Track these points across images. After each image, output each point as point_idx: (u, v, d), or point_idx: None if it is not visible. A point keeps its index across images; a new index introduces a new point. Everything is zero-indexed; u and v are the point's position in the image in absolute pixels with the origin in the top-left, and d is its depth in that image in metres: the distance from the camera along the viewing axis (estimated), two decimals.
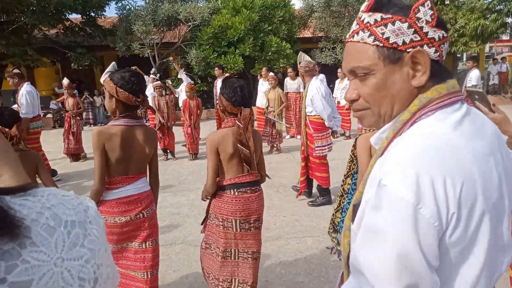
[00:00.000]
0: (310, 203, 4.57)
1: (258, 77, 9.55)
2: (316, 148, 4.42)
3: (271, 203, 4.64)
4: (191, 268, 3.17)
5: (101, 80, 2.14)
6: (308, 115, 4.47)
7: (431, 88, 0.81)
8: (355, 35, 0.84)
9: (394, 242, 0.72)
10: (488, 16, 13.47)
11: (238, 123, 2.22)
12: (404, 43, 0.79)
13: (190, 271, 3.13)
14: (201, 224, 2.58)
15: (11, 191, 0.47)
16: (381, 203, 0.73)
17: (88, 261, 0.48)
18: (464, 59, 23.61)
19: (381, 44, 0.80)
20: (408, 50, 0.79)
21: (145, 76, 9.28)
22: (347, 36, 0.89)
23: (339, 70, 8.79)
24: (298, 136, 8.70)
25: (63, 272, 0.45)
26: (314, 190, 4.80)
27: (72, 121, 7.44)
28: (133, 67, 2.30)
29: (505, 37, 20.25)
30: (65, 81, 7.60)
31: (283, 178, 5.65)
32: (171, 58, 9.43)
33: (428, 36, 0.79)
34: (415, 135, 0.78)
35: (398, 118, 0.83)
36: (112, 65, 2.19)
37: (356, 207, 0.87)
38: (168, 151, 7.33)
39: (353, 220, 0.87)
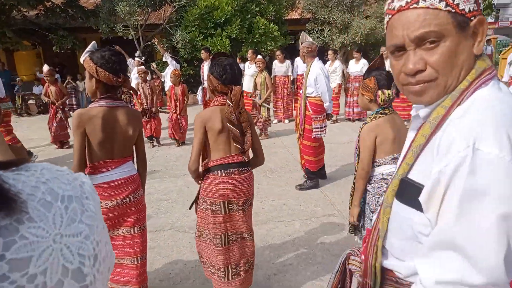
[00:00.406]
0: (298, 186, 4.60)
1: (238, 60, 9.33)
2: (314, 129, 4.41)
3: (260, 187, 4.65)
4: (180, 254, 3.18)
5: (81, 60, 2.08)
6: (308, 97, 4.43)
7: (480, 58, 0.85)
8: (420, 1, 0.81)
9: (500, 201, 0.71)
10: None
11: (228, 101, 2.18)
12: (470, 10, 0.81)
13: (179, 257, 3.14)
14: (189, 209, 2.56)
15: (3, 166, 0.44)
16: (478, 166, 0.73)
17: (87, 237, 0.47)
18: None
19: (453, 10, 0.80)
20: (471, 18, 0.81)
21: (130, 59, 9.13)
22: (403, 4, 0.84)
23: (329, 52, 8.70)
24: (286, 121, 8.69)
25: (63, 249, 0.43)
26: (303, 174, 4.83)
27: (57, 111, 7.28)
28: (115, 46, 2.23)
29: (490, 19, 20.37)
30: (45, 68, 7.29)
31: (271, 163, 5.66)
32: (155, 40, 9.17)
33: (480, 7, 0.83)
34: (487, 101, 0.80)
35: None
36: (92, 44, 2.12)
37: (405, 181, 0.85)
38: (154, 138, 7.21)
39: (398, 196, 0.86)
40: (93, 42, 2.18)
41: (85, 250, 0.46)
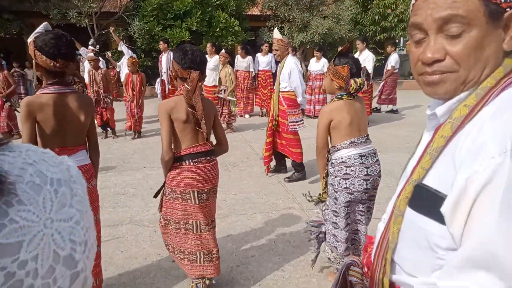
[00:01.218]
0: (286, 179, 4.67)
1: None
2: (290, 124, 4.47)
3: (221, 181, 4.58)
4: (140, 248, 3.11)
5: (28, 41, 1.96)
6: (281, 91, 4.48)
7: (510, 56, 0.74)
8: None
9: None
10: None
11: (186, 85, 2.16)
12: (505, 1, 0.70)
13: (139, 251, 3.07)
14: (154, 197, 2.50)
15: None
16: None
17: (78, 222, 0.45)
18: (401, 44, 24.93)
19: None
20: (507, 9, 0.70)
21: (83, 48, 8.69)
22: None
23: (358, 41, 8.51)
24: (247, 116, 8.73)
25: (54, 234, 0.41)
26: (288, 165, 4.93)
27: (5, 101, 6.80)
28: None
29: None
30: None
31: (232, 157, 5.66)
32: (111, 29, 8.79)
33: None
34: None
35: (478, 85, 0.75)
36: (43, 25, 1.97)
37: (420, 188, 0.75)
38: (108, 128, 6.96)
39: (412, 203, 0.76)
40: (45, 23, 2.04)
41: (76, 236, 0.44)
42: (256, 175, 4.87)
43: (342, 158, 2.40)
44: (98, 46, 9.88)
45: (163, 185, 2.40)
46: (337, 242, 2.53)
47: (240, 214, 3.75)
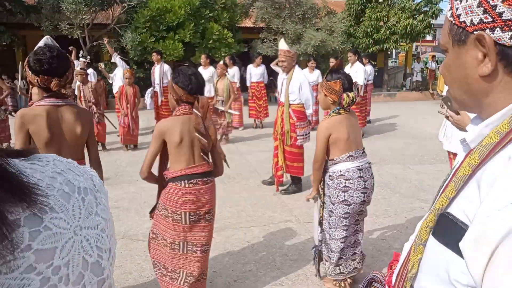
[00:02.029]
0: (283, 191, 4.61)
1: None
2: (299, 137, 4.38)
3: (217, 194, 4.56)
4: (135, 264, 3.02)
5: None
6: (291, 104, 4.37)
7: None
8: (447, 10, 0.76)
9: None
10: (416, 16, 14.53)
11: (196, 111, 2.14)
12: (472, 23, 0.67)
13: (134, 267, 2.98)
14: (150, 218, 2.44)
15: (20, 154, 0.44)
16: None
17: (103, 230, 0.47)
18: (394, 56, 25.33)
19: (454, 21, 0.71)
20: (474, 32, 0.68)
21: (75, 61, 8.62)
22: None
23: (349, 54, 8.51)
24: (241, 128, 8.68)
25: (82, 241, 0.43)
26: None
27: None
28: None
29: (429, 37, 22.04)
30: None
31: (227, 169, 5.58)
32: (105, 40, 8.72)
33: (503, 18, 0.64)
34: None
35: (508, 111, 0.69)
36: (43, 40, 1.97)
37: (444, 217, 0.71)
38: (99, 142, 6.85)
39: (436, 233, 0.72)
40: (46, 37, 2.03)
41: (102, 243, 0.46)
42: (251, 188, 4.81)
43: (341, 171, 2.44)
44: (89, 57, 9.85)
45: (157, 203, 2.35)
46: (331, 252, 2.56)
47: (236, 227, 3.68)
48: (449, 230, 0.71)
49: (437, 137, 3.22)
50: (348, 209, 2.44)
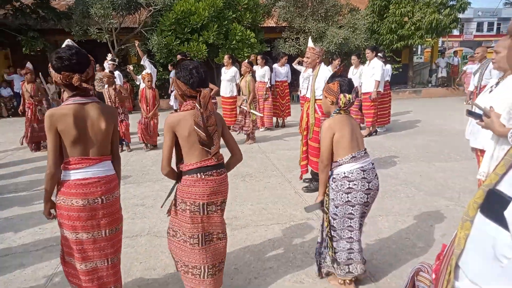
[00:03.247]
0: (304, 188, 4.65)
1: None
2: None
3: (238, 192, 4.64)
4: (158, 260, 3.12)
5: None
6: (317, 99, 4.45)
7: None
8: None
9: None
10: (442, 10, 14.10)
11: (197, 104, 2.16)
12: None
13: (157, 263, 3.08)
14: (167, 215, 2.51)
15: None
16: None
17: None
18: (419, 52, 24.66)
19: None
20: None
21: (104, 63, 8.91)
22: None
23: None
24: (262, 128, 8.72)
25: None
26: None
27: (36, 108, 7.11)
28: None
29: (456, 32, 21.32)
30: (29, 65, 7.20)
31: (249, 167, 5.67)
32: (136, 43, 8.91)
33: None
34: None
35: None
36: (65, 43, 2.11)
37: (493, 193, 0.73)
38: (123, 141, 7.07)
39: (483, 209, 0.74)
40: (67, 40, 2.17)
41: None
42: (273, 186, 4.85)
43: (344, 173, 2.46)
44: (117, 60, 10.13)
45: (174, 200, 2.38)
46: (336, 253, 2.58)
47: (257, 225, 3.72)
48: (497, 206, 0.72)
49: (463, 134, 3.15)
50: (352, 210, 2.47)
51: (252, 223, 3.76)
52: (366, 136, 7.70)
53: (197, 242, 2.29)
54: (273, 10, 14.47)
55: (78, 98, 2.05)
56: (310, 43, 4.60)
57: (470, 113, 2.28)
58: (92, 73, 2.08)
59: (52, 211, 2.21)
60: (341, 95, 2.50)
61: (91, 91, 2.09)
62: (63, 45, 2.06)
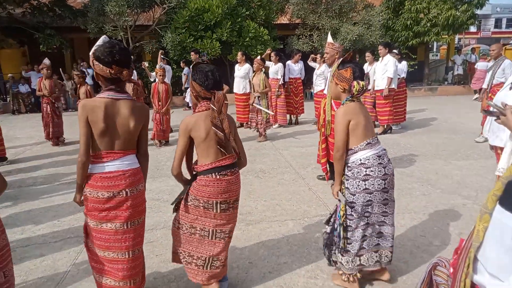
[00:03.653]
0: (319, 176, 4.69)
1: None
2: None
3: (252, 188, 4.66)
4: None
5: (90, 54, 2.15)
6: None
7: None
8: None
9: None
10: (459, 7, 13.84)
11: (212, 106, 2.23)
12: None
13: None
14: (173, 212, 2.53)
15: None
16: None
17: None
18: (435, 49, 24.25)
19: None
20: None
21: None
22: None
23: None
24: (276, 125, 8.70)
25: None
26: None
27: (54, 105, 7.27)
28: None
29: (473, 28, 20.90)
30: (46, 61, 7.35)
31: (263, 164, 5.68)
32: (145, 65, 8.85)
33: None
34: None
35: None
36: (102, 39, 2.18)
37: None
38: None
39: (502, 201, 0.73)
40: (104, 36, 2.23)
41: None
42: (287, 182, 4.85)
43: (360, 160, 2.43)
44: (132, 57, 10.25)
45: (181, 197, 2.43)
46: (349, 244, 2.52)
47: (271, 220, 3.74)
48: None
49: (481, 132, 3.10)
50: (370, 197, 2.43)
51: (266, 219, 3.78)
52: (380, 134, 7.63)
53: (207, 234, 2.35)
54: (286, 6, 14.43)
55: (112, 93, 2.10)
56: (330, 39, 4.57)
57: (486, 112, 2.25)
58: (132, 70, 2.17)
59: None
60: (355, 82, 2.43)
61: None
62: (101, 41, 2.10)
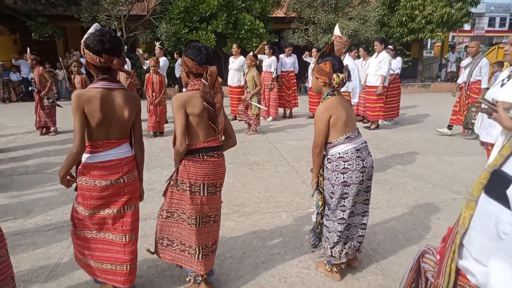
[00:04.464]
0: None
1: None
2: None
3: (246, 180, 4.68)
4: None
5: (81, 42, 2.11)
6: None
7: None
8: None
9: None
10: (454, 4, 13.91)
11: (203, 81, 2.18)
12: None
13: None
14: (163, 195, 2.49)
15: None
16: None
17: None
18: (429, 46, 24.35)
19: None
20: None
21: None
22: None
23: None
24: (269, 118, 8.71)
25: None
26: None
27: (42, 98, 7.15)
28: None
29: (467, 26, 21.03)
30: (28, 51, 7.22)
31: (256, 156, 5.69)
32: (139, 51, 8.72)
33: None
34: None
35: None
36: (93, 26, 2.13)
37: (497, 174, 0.75)
38: None
39: (487, 189, 0.76)
40: (96, 24, 2.18)
41: None
42: (280, 175, 4.87)
43: (339, 153, 2.48)
44: (126, 47, 10.14)
45: (171, 177, 2.40)
46: (329, 233, 2.60)
47: (265, 212, 3.76)
48: (500, 185, 0.74)
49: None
50: (347, 189, 2.48)
51: (260, 210, 3.79)
52: (375, 129, 7.68)
53: (194, 223, 2.32)
54: (282, 0, 14.36)
55: (106, 82, 2.08)
56: (337, 31, 4.37)
57: (478, 109, 2.28)
58: (124, 59, 2.13)
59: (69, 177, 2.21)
60: (334, 75, 2.46)
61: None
62: (93, 29, 2.06)
